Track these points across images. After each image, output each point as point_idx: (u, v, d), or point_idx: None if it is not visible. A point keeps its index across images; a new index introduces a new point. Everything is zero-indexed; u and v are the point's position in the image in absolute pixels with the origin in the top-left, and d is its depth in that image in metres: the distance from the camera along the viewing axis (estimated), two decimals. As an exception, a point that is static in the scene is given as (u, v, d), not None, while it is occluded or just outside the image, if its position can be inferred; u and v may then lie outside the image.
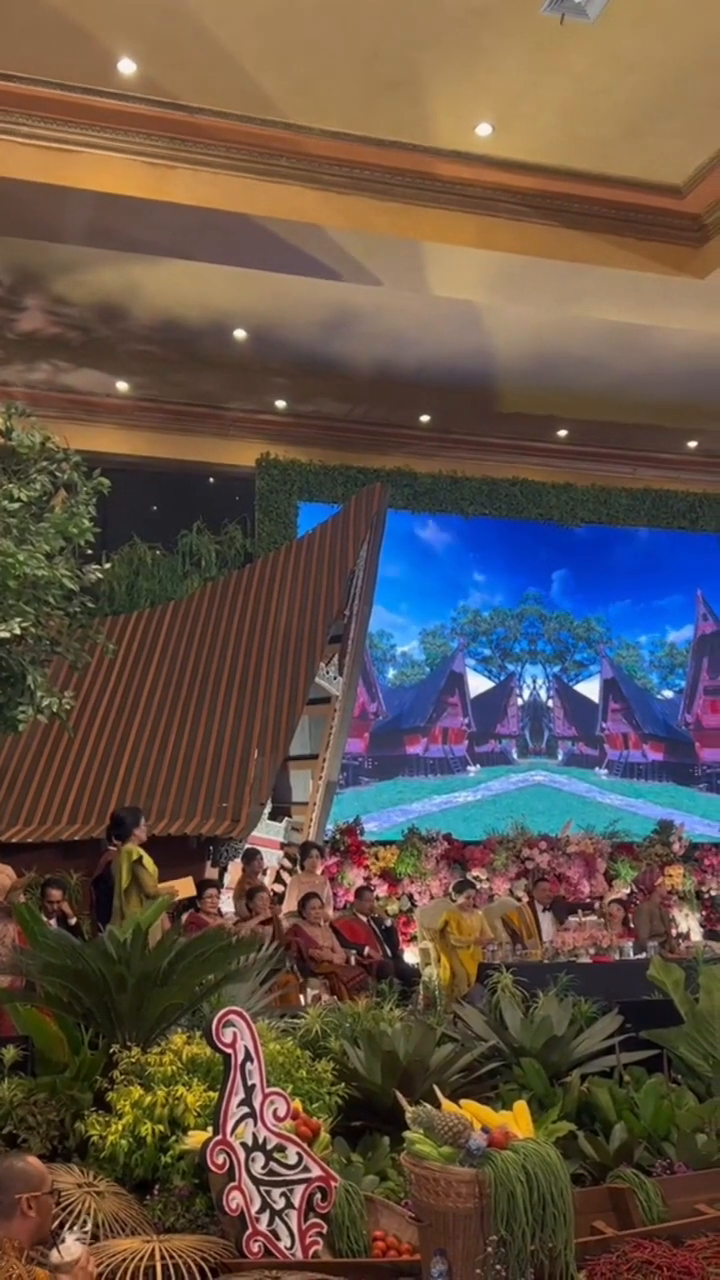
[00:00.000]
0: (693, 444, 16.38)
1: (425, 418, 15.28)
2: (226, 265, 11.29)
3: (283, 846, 11.55)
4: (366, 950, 9.63)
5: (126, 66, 9.60)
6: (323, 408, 14.91)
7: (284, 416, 15.00)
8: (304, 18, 9.08)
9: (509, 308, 12.31)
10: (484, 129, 10.43)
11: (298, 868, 10.96)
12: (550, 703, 15.95)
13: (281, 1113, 3.55)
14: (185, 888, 8.35)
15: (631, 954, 9.46)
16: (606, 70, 9.66)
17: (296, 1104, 3.84)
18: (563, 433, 15.85)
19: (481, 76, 9.74)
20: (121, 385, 14.09)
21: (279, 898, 10.47)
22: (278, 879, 11.22)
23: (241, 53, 9.46)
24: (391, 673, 15.18)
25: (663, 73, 9.70)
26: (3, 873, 7.98)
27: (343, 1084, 4.46)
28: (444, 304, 12.06)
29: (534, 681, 15.91)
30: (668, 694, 16.53)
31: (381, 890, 12.76)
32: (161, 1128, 3.89)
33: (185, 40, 9.29)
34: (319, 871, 11.02)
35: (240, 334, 12.89)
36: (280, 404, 14.79)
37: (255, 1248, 3.33)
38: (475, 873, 13.31)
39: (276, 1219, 3.40)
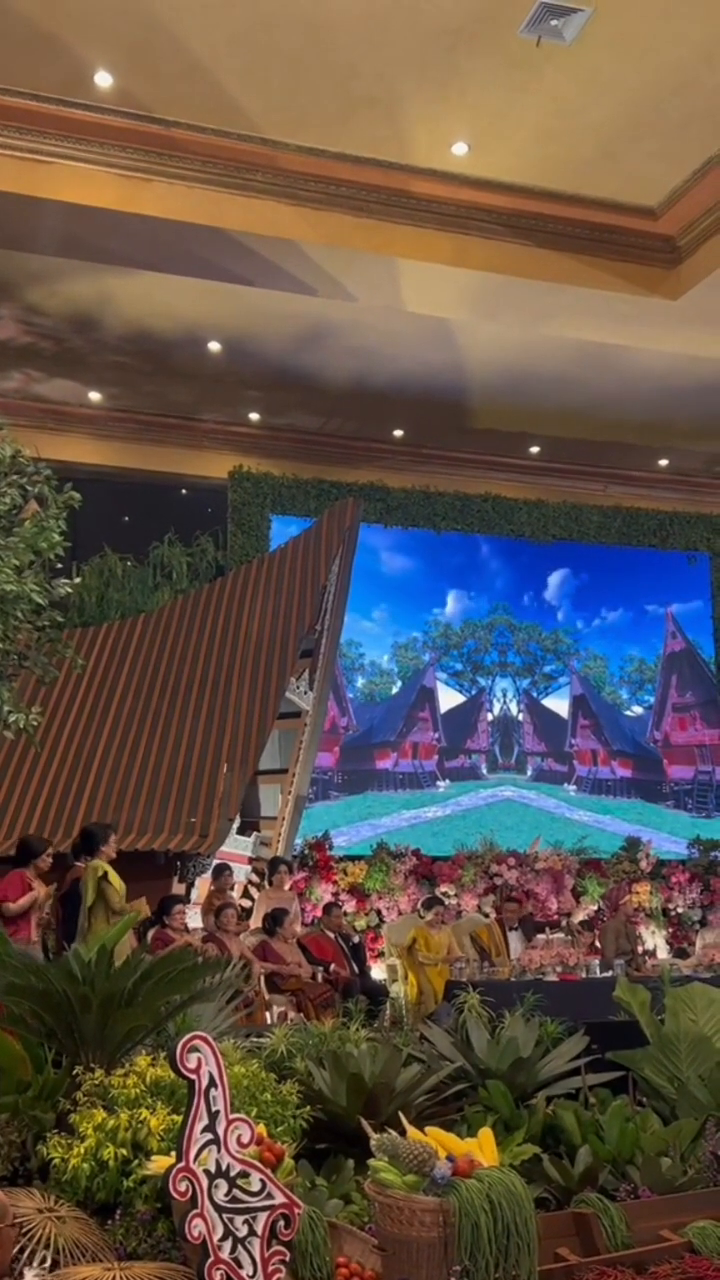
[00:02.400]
0: (663, 462, 16.49)
1: (398, 432, 15.30)
2: (201, 279, 11.28)
3: (251, 861, 11.50)
4: (333, 967, 9.60)
5: (103, 79, 9.60)
6: (296, 421, 14.91)
7: (257, 429, 14.99)
8: (281, 33, 9.10)
9: (483, 325, 12.35)
10: (460, 147, 10.47)
11: (266, 883, 10.91)
12: (520, 718, 15.98)
13: (245, 1139, 3.52)
14: (140, 909, 8.30)
15: (598, 972, 9.49)
16: (582, 91, 9.72)
17: (261, 1129, 3.81)
18: (535, 449, 15.91)
19: (458, 95, 9.79)
20: (94, 395, 14.04)
21: (247, 913, 10.43)
22: (245, 894, 11.17)
23: (218, 67, 9.47)
24: (361, 681, 15.17)
25: (639, 95, 9.77)
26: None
27: (308, 1107, 4.43)
28: (418, 320, 12.08)
29: (504, 695, 15.94)
30: (637, 710, 16.60)
31: (350, 906, 12.72)
32: (124, 1151, 3.84)
33: (162, 53, 9.29)
34: (287, 887, 10.98)
35: (214, 346, 12.88)
36: (254, 416, 14.78)
37: (217, 1276, 3.29)
38: (443, 888, 13.29)
39: (239, 1246, 3.36)
